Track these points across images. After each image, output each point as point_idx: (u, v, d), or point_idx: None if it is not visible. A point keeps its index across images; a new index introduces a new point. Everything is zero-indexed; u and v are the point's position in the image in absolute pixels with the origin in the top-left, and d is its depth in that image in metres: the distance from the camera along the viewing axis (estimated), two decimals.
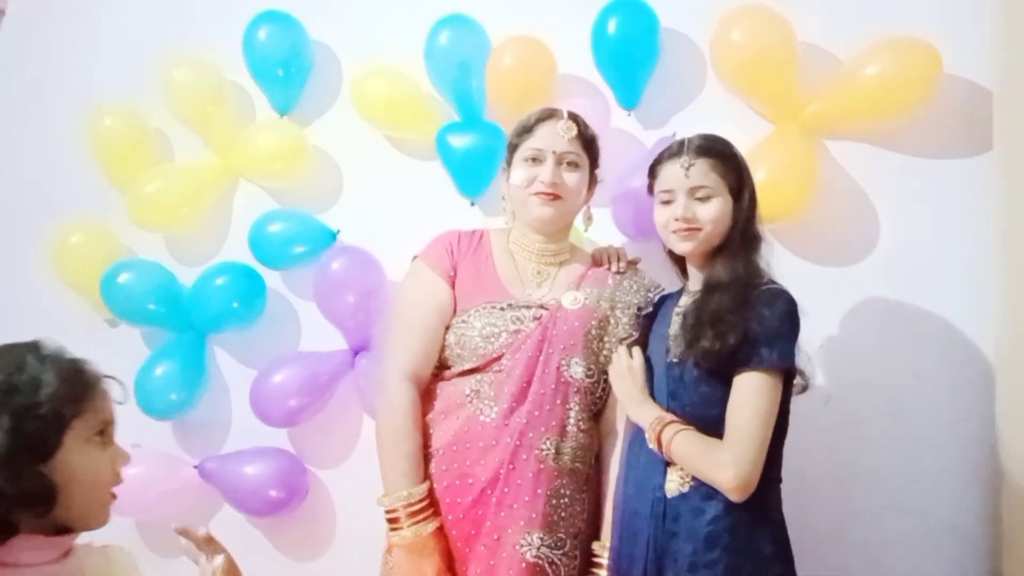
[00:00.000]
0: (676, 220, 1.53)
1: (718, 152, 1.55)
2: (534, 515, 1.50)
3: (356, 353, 2.05)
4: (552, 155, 1.61)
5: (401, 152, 2.14)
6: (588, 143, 1.67)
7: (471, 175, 2.01)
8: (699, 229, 1.52)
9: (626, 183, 1.89)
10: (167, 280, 2.16)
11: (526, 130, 1.65)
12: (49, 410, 1.03)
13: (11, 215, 2.37)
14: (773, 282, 1.50)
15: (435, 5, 2.04)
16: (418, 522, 1.51)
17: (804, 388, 1.52)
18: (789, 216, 1.85)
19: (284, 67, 2.14)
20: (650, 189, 1.62)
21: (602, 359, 1.61)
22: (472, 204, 2.05)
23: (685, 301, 1.58)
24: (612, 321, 1.63)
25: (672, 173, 1.55)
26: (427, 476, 1.56)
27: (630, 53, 1.93)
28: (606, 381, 1.62)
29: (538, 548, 1.49)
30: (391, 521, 1.54)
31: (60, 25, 2.39)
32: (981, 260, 1.82)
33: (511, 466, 1.51)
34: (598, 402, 1.62)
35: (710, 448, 1.41)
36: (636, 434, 1.54)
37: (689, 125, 1.93)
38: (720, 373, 1.44)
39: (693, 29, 1.96)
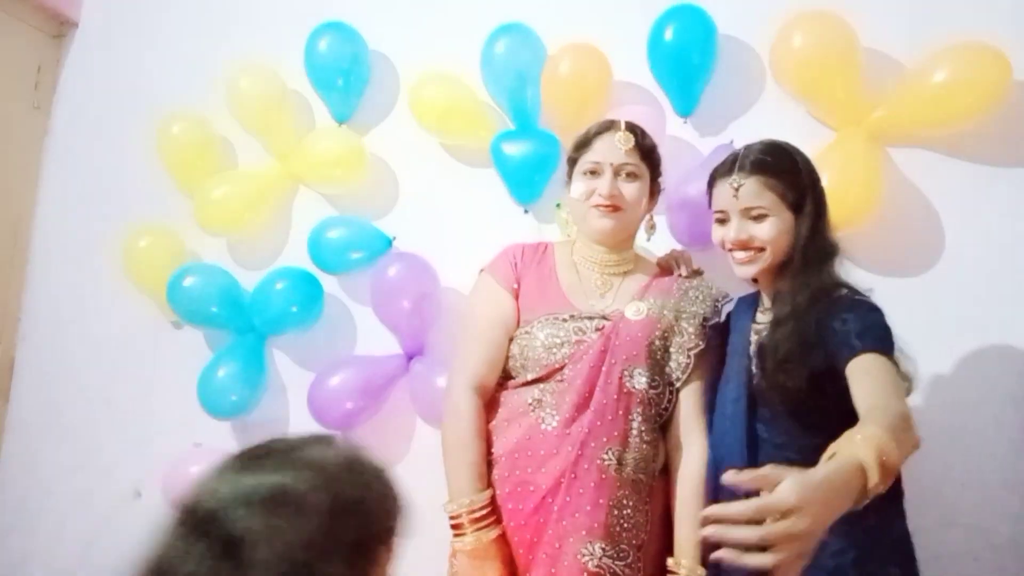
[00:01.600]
0: (732, 243, 1.49)
1: (772, 167, 1.48)
2: (596, 525, 1.50)
3: (410, 358, 2.08)
4: (610, 167, 1.62)
5: (456, 160, 2.17)
6: (647, 153, 1.67)
7: (525, 183, 2.02)
8: (761, 249, 1.47)
9: (682, 191, 1.88)
10: (229, 284, 2.22)
11: (584, 144, 1.66)
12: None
13: (85, 219, 2.48)
14: (853, 291, 1.43)
15: (492, 14, 2.06)
16: (480, 528, 1.53)
17: (908, 392, 1.37)
18: (853, 226, 1.80)
19: (344, 76, 2.19)
20: (709, 204, 1.59)
21: (667, 370, 1.60)
22: (526, 212, 2.06)
23: (762, 320, 1.53)
24: (677, 331, 1.62)
25: (724, 192, 1.51)
26: (490, 483, 1.58)
27: (687, 60, 1.92)
28: (671, 392, 1.61)
29: (600, 558, 1.49)
30: (455, 527, 1.56)
31: (130, 36, 2.49)
32: None
33: (572, 475, 1.52)
34: (663, 413, 1.61)
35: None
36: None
37: (747, 132, 1.92)
38: (805, 408, 1.38)
39: (751, 35, 1.94)
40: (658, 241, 1.86)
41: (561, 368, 1.59)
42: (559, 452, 1.53)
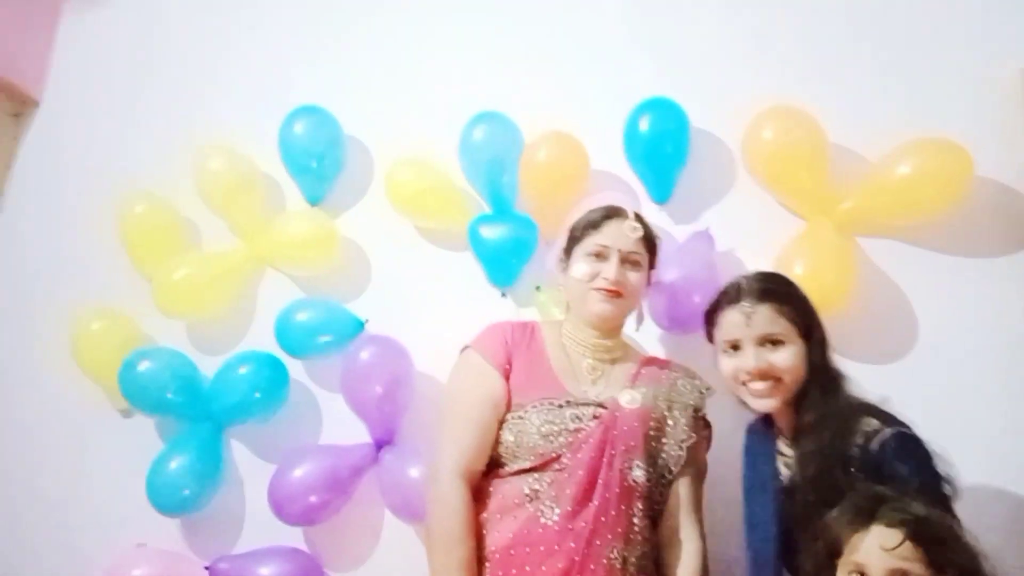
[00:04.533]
0: (749, 373, 1.45)
1: (780, 293, 1.48)
2: None
3: (380, 447, 1.98)
4: (617, 253, 1.60)
5: (431, 243, 2.15)
6: (651, 244, 1.67)
7: (503, 265, 2.01)
8: (778, 380, 1.45)
9: (659, 276, 1.88)
10: (187, 369, 2.11)
11: (592, 225, 1.64)
12: None
13: (36, 300, 2.36)
14: (885, 420, 1.37)
15: (469, 102, 2.09)
16: None
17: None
18: (826, 312, 1.82)
19: (318, 159, 2.18)
20: (709, 336, 1.57)
21: (660, 462, 1.55)
22: (503, 295, 2.04)
23: (787, 452, 1.48)
24: (671, 422, 1.57)
25: (734, 320, 1.48)
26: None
27: (661, 149, 1.97)
28: (664, 485, 1.55)
29: None
30: None
31: (94, 115, 2.45)
32: (1018, 360, 1.78)
33: (576, 574, 1.42)
34: (656, 507, 1.55)
35: None
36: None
37: (721, 219, 1.97)
38: None
39: (723, 127, 2.00)
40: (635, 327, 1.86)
41: (558, 458, 1.50)
42: (561, 548, 1.44)
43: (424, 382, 2.00)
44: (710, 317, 1.56)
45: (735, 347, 1.49)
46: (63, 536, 2.17)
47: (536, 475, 1.50)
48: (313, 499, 1.92)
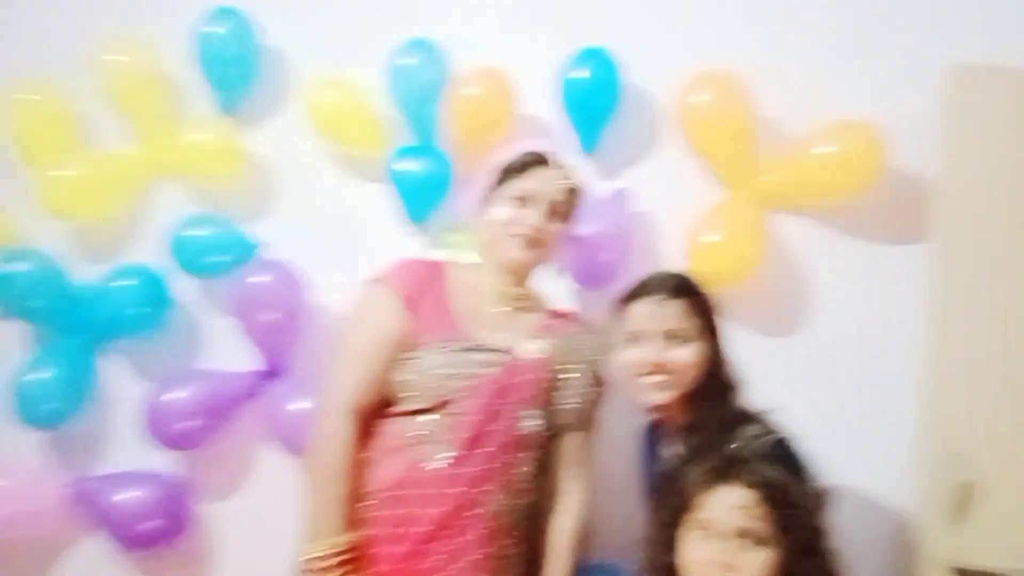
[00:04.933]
0: (649, 365, 1.44)
1: (692, 291, 1.50)
2: (481, 573, 1.40)
3: (269, 376, 1.89)
4: (543, 201, 1.55)
5: (347, 170, 2.04)
6: (576, 196, 1.63)
7: (420, 201, 1.93)
8: (676, 376, 1.44)
9: (577, 230, 1.85)
10: (61, 276, 1.94)
11: (519, 168, 1.57)
12: None
13: None
14: (766, 429, 1.36)
15: (400, 28, 1.98)
16: (347, 573, 1.39)
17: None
18: (735, 283, 1.84)
19: (233, 65, 2.02)
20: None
21: (554, 414, 1.53)
22: (416, 230, 1.96)
23: (669, 454, 1.48)
24: (569, 375, 1.55)
25: (645, 312, 1.47)
26: (358, 521, 1.43)
27: (593, 100, 1.92)
28: (556, 437, 1.54)
29: None
30: (314, 571, 1.39)
31: None
32: (905, 349, 1.84)
33: (459, 519, 1.40)
34: (545, 458, 1.53)
35: None
36: None
37: (644, 177, 1.95)
38: None
39: (657, 87, 1.96)
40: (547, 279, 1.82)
41: (451, 402, 1.46)
42: (446, 492, 1.42)
43: (322, 315, 1.92)
44: (618, 309, 1.54)
45: (636, 339, 1.47)
46: None
47: (426, 417, 1.46)
48: (191, 423, 1.83)
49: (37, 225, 2.01)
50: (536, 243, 1.54)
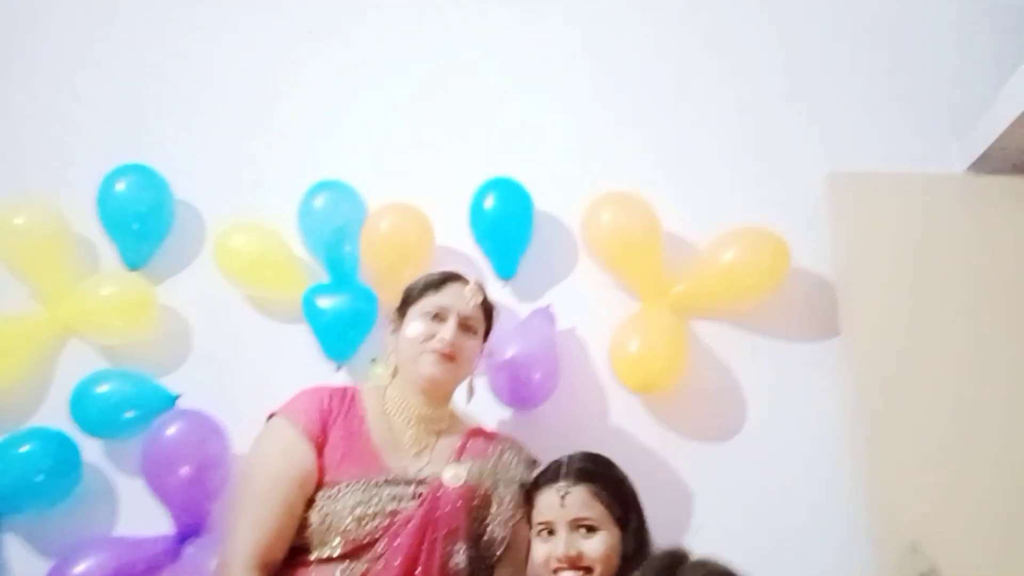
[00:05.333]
0: (559, 560, 1.38)
1: (599, 475, 1.45)
2: None
3: (183, 539, 1.75)
4: (456, 316, 1.54)
5: (262, 313, 2.00)
6: (488, 313, 1.64)
7: (340, 338, 1.90)
8: (589, 570, 1.38)
9: (501, 352, 1.84)
10: None
11: (432, 286, 1.58)
12: None
13: None
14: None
15: (309, 171, 2.02)
16: None
17: None
18: (660, 389, 1.86)
19: (141, 221, 2.00)
20: (528, 518, 1.48)
21: (483, 543, 1.45)
22: (338, 369, 1.91)
23: None
24: (495, 500, 1.49)
25: (550, 501, 1.43)
26: None
27: (506, 228, 1.98)
28: (486, 569, 1.45)
29: None
30: None
31: None
32: (839, 438, 1.87)
33: None
34: None
35: None
36: None
37: (562, 298, 1.99)
38: None
39: (564, 211, 2.04)
40: (479, 401, 1.80)
41: (373, 544, 1.37)
42: None
43: (249, 453, 1.81)
44: (528, 496, 1.49)
45: (550, 531, 1.42)
46: None
47: (349, 565, 1.36)
48: None
49: None
50: (450, 357, 1.52)
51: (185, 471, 1.73)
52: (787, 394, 1.93)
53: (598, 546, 1.38)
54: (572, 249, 2.04)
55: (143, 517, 1.79)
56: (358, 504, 1.38)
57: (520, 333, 1.88)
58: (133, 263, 2.02)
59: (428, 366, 1.51)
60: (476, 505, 1.46)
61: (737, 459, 1.88)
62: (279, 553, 1.37)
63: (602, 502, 1.41)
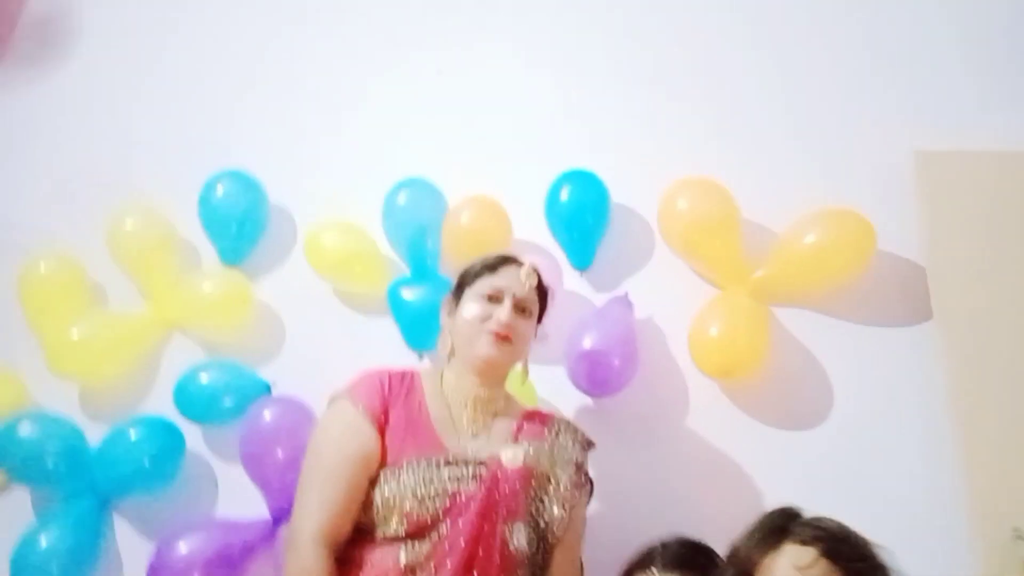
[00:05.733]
0: None
1: (695, 564, 1.44)
2: None
3: (279, 522, 1.82)
4: (511, 297, 1.56)
5: (350, 307, 2.09)
6: (543, 295, 1.66)
7: (421, 328, 1.95)
8: None
9: (579, 341, 1.87)
10: (72, 435, 1.92)
11: (487, 268, 1.60)
12: None
13: None
14: None
15: (393, 169, 2.10)
16: None
17: None
18: (741, 375, 1.84)
19: (238, 223, 2.13)
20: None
21: (542, 524, 1.45)
22: (421, 358, 1.97)
23: None
24: (552, 481, 1.49)
25: None
26: None
27: (582, 219, 2.01)
28: (546, 550, 1.46)
29: None
30: None
31: (14, 169, 2.35)
32: (932, 426, 1.80)
33: None
34: (536, 572, 1.44)
35: None
36: None
37: (639, 287, 1.99)
38: None
39: (640, 200, 2.05)
40: (559, 391, 1.82)
41: (435, 524, 1.38)
42: None
43: (314, 432, 1.88)
44: None
45: None
46: None
47: (413, 544, 1.37)
48: (201, 571, 1.73)
49: (46, 388, 2.03)
50: (505, 339, 1.53)
51: (279, 456, 1.81)
52: (876, 382, 1.88)
53: None
54: (648, 238, 2.05)
55: (241, 501, 1.87)
56: (419, 484, 1.40)
57: (598, 321, 1.89)
58: (231, 261, 2.14)
59: (484, 347, 1.52)
60: (535, 487, 1.47)
61: (822, 448, 1.83)
62: (343, 530, 1.40)
63: None
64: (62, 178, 2.31)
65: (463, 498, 1.40)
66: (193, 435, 1.96)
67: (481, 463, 1.45)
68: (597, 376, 1.85)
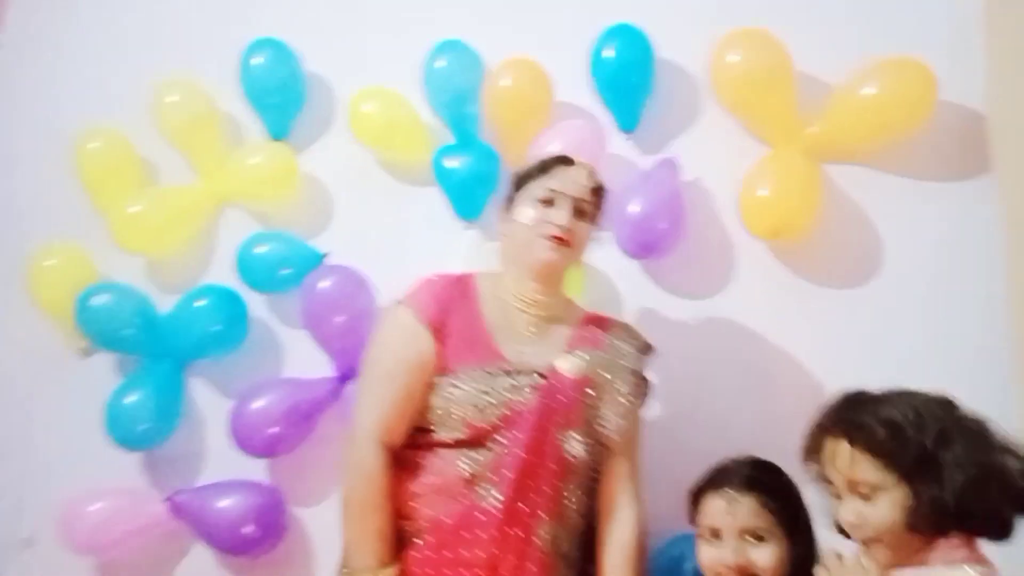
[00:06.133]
0: (728, 567, 1.37)
1: (769, 485, 1.41)
2: None
3: (344, 380, 1.94)
4: (569, 200, 1.52)
5: (394, 177, 2.10)
6: (601, 196, 1.60)
7: (468, 197, 1.97)
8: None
9: (626, 205, 1.86)
10: (143, 304, 2.05)
11: (542, 170, 1.55)
12: None
13: None
14: None
15: (430, 32, 2.04)
16: None
17: None
18: (791, 235, 1.82)
19: (279, 94, 2.13)
20: (691, 518, 1.47)
21: (598, 432, 1.49)
22: (468, 227, 2.00)
23: None
24: (610, 389, 1.51)
25: (717, 507, 1.41)
26: (401, 554, 1.42)
27: (627, 78, 1.94)
28: (603, 457, 1.50)
29: None
30: None
31: (49, 54, 2.37)
32: (988, 285, 1.77)
33: (513, 559, 1.38)
34: (593, 480, 1.50)
35: None
36: None
37: (687, 147, 1.95)
38: None
39: (688, 53, 1.96)
40: (604, 255, 1.83)
41: (492, 433, 1.43)
42: (498, 533, 1.38)
43: (373, 336, 1.96)
44: (694, 498, 1.47)
45: (715, 535, 1.41)
46: (21, 477, 2.12)
47: (472, 453, 1.43)
48: (274, 430, 1.88)
49: (113, 261, 2.13)
50: (564, 242, 1.50)
51: (339, 320, 1.92)
52: (931, 237, 1.83)
53: (767, 556, 1.37)
54: (696, 96, 1.97)
55: (307, 362, 2.00)
56: (476, 392, 1.43)
57: (644, 184, 1.88)
58: (277, 134, 2.15)
59: (542, 251, 1.50)
60: (591, 395, 1.48)
61: (873, 310, 1.82)
62: (400, 430, 1.45)
63: (771, 512, 1.38)
64: (103, 56, 2.31)
65: (520, 409, 1.43)
66: (257, 304, 2.06)
67: (538, 372, 1.47)
68: (643, 241, 1.85)
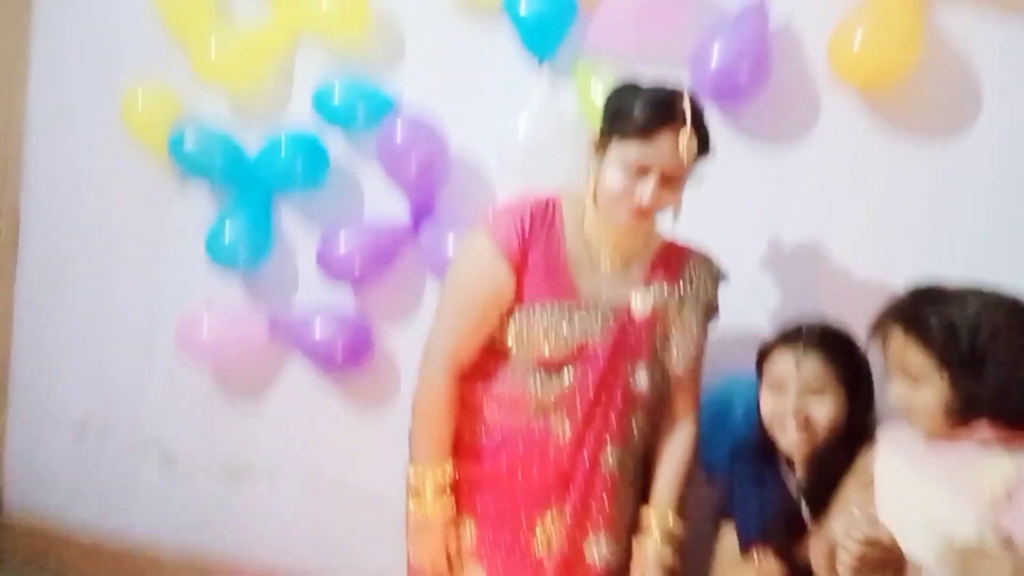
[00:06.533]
0: (787, 415, 1.47)
1: (837, 347, 1.49)
2: (602, 526, 1.52)
3: (418, 221, 2.04)
4: (658, 172, 1.40)
5: (466, 11, 2.03)
6: (693, 163, 1.44)
7: (540, 34, 1.90)
8: (813, 430, 1.46)
9: (705, 47, 1.78)
10: (231, 145, 2.17)
11: (642, 132, 1.39)
12: None
13: (80, 72, 2.40)
14: None
15: None
16: (443, 498, 1.50)
17: None
18: (888, 84, 1.72)
19: None
20: (759, 368, 1.55)
21: (667, 363, 1.54)
22: (540, 63, 1.94)
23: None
24: (682, 322, 1.53)
25: (783, 361, 1.50)
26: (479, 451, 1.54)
27: None
28: (667, 382, 1.57)
29: (605, 553, 1.53)
30: (417, 495, 1.52)
31: None
32: None
33: (582, 483, 1.50)
34: (659, 403, 1.57)
35: None
36: None
37: None
38: None
39: None
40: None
41: (564, 364, 1.48)
42: (568, 461, 1.50)
43: (462, 155, 2.03)
44: (765, 350, 1.55)
45: (780, 387, 1.49)
46: (141, 292, 2.38)
47: (543, 381, 1.49)
48: (359, 260, 2.04)
49: (196, 97, 2.21)
50: (646, 214, 1.45)
51: (414, 161, 1.98)
52: None
53: (825, 411, 1.46)
54: None
55: (384, 203, 2.09)
56: (550, 327, 1.47)
57: (731, 31, 1.77)
58: None
59: (624, 219, 1.45)
60: (661, 329, 1.53)
61: (968, 163, 1.73)
62: (470, 355, 1.52)
63: (834, 371, 1.46)
64: None
65: (591, 348, 1.48)
66: (335, 142, 2.12)
67: (611, 310, 1.49)
68: (722, 88, 1.78)
